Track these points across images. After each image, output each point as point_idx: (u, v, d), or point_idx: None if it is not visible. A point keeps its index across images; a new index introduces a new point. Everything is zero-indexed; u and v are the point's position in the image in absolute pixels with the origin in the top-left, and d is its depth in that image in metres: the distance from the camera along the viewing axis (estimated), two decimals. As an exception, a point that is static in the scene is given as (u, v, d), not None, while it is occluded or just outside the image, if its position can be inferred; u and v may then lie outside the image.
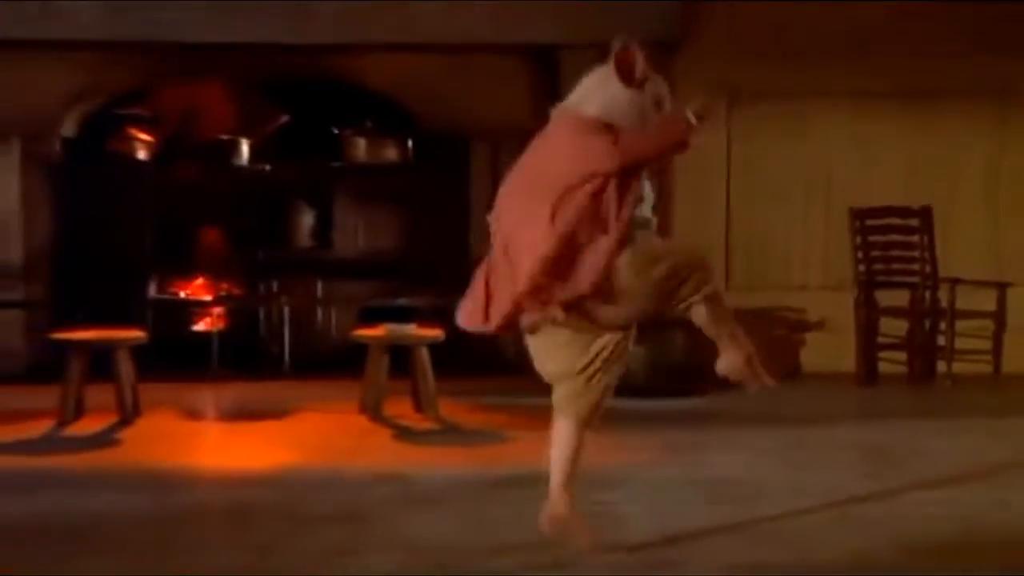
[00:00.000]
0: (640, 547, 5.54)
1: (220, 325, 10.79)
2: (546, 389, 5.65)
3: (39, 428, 8.22)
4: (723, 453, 7.61)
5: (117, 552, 5.64)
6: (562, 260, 5.07)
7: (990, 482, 6.88)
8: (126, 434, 8.18)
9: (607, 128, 5.18)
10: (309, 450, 7.77)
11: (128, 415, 8.44)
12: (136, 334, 8.71)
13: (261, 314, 10.97)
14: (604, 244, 5.08)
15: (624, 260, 5.09)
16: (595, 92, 5.33)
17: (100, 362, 8.53)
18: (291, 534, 5.89)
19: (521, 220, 5.19)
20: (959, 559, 5.53)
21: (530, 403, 7.30)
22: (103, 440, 8.02)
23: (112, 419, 8.39)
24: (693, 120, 5.19)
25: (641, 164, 5.22)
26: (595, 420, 5.41)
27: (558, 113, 5.42)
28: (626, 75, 5.25)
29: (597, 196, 5.08)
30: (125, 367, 8.47)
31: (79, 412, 8.39)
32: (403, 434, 8.22)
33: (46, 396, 8.58)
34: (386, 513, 6.24)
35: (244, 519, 6.24)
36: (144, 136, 10.87)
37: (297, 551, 5.63)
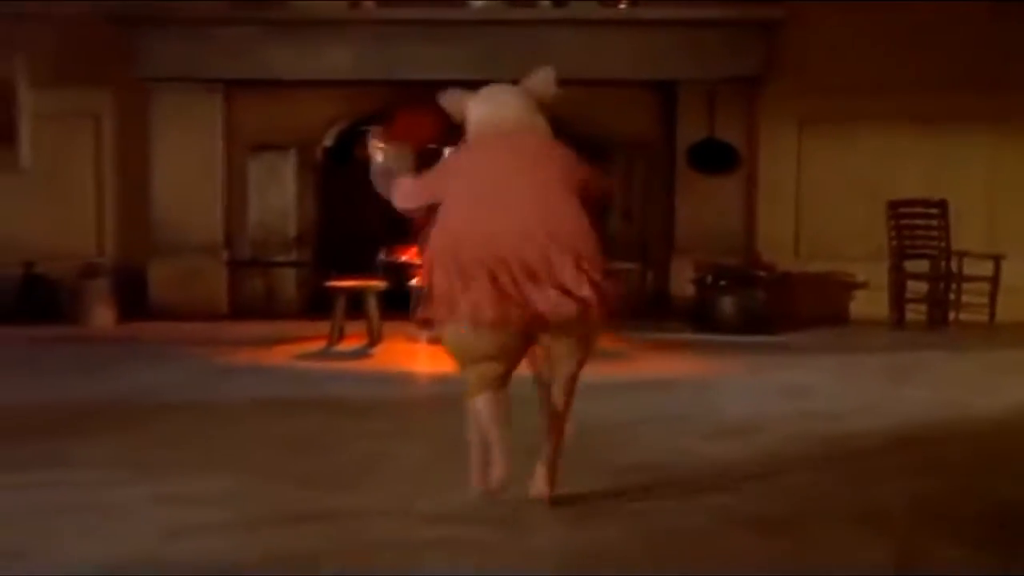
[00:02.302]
0: (734, 424, 5.99)
1: (430, 281, 11.23)
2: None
3: (316, 346, 8.74)
4: (793, 370, 7.85)
5: (376, 417, 6.26)
6: None
7: (976, 388, 7.23)
8: (375, 351, 8.68)
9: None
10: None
11: (375, 339, 8.85)
12: (380, 283, 9.07)
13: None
14: None
15: None
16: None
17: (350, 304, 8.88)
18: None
19: None
20: (948, 429, 6.02)
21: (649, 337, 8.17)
22: (360, 354, 8.56)
23: (364, 342, 8.82)
24: None
25: None
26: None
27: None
28: None
29: None
30: (372, 306, 8.87)
31: (341, 336, 8.84)
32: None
33: (316, 327, 9.08)
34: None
35: (454, 405, 6.90)
36: (380, 145, 11.19)
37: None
